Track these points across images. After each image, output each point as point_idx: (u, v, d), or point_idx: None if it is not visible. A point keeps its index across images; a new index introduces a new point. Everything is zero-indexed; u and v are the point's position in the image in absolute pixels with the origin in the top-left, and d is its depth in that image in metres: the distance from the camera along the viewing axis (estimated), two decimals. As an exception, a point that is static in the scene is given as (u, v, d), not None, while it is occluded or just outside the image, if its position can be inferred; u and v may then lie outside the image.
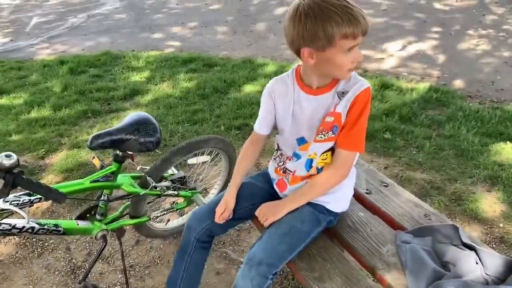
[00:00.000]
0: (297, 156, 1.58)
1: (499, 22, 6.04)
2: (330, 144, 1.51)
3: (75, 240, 2.44)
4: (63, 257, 2.33)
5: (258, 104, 1.63)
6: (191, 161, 2.29)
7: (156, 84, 4.53)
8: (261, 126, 1.66)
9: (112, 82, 4.64)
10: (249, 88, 4.24)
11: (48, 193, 1.46)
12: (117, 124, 1.83)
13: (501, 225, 2.39)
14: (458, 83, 4.37)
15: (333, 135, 1.48)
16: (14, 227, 1.62)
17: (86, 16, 7.79)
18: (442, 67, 4.79)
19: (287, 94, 1.54)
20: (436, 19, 6.31)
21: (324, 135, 1.49)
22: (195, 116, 3.71)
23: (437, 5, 6.94)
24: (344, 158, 1.49)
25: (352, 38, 1.29)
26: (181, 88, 4.35)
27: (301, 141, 1.56)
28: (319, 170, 1.55)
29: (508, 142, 3.13)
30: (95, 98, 4.21)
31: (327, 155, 1.52)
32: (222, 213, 1.57)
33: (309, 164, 1.55)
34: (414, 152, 3.11)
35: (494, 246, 2.25)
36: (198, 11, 7.59)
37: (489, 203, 2.54)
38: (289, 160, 1.61)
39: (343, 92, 1.43)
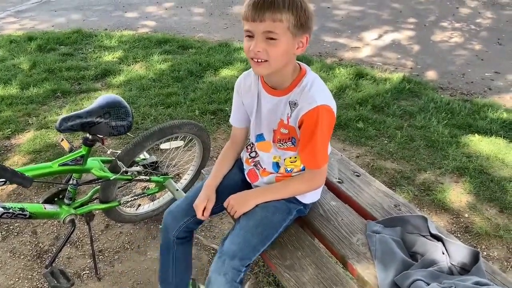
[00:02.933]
0: (260, 155, 1.60)
1: (472, 15, 6.15)
2: (292, 153, 1.52)
3: (42, 224, 2.38)
4: (29, 241, 2.27)
5: (233, 89, 1.62)
6: (164, 146, 2.26)
7: (129, 65, 4.42)
8: (234, 119, 1.67)
9: (83, 61, 4.50)
10: (225, 73, 4.20)
11: (14, 177, 1.40)
12: (87, 106, 1.77)
13: (466, 215, 2.46)
14: (431, 74, 4.45)
15: (293, 146, 1.49)
16: (-24, 210, 1.56)
17: (56, -10, 7.50)
18: (415, 57, 4.86)
19: (251, 89, 1.53)
20: (412, 9, 6.38)
21: (283, 144, 1.50)
22: (168, 99, 3.65)
23: (413, -4, 7.01)
24: (312, 175, 1.51)
25: (245, 20, 1.27)
26: (155, 70, 4.26)
27: (260, 137, 1.57)
28: (288, 171, 1.56)
29: (476, 134, 3.21)
30: (65, 77, 4.07)
31: (295, 157, 1.53)
32: (205, 208, 1.54)
33: (276, 166, 1.57)
34: (386, 141, 3.16)
35: (459, 235, 2.32)
36: (174, -9, 7.42)
37: (456, 194, 2.62)
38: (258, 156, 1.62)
39: (295, 103, 1.40)
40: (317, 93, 1.38)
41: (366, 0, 6.81)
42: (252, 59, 1.31)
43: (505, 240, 2.28)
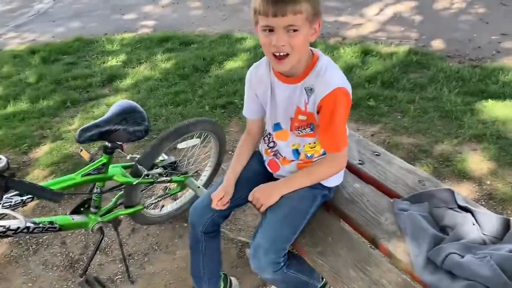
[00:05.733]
0: (278, 144, 1.60)
1: (472, -22, 6.03)
2: (311, 139, 1.52)
3: (70, 234, 2.42)
4: (60, 252, 2.31)
5: (240, 80, 1.64)
6: (181, 145, 2.27)
7: (133, 68, 4.43)
8: (247, 112, 1.68)
9: (88, 68, 4.52)
10: (230, 65, 4.18)
11: (44, 193, 1.42)
12: (104, 115, 1.79)
13: (488, 182, 2.45)
14: (437, 44, 4.39)
15: (312, 132, 1.49)
16: (9, 228, 1.59)
17: (52, 0, 7.49)
18: (419, 28, 4.79)
19: (263, 80, 1.53)
20: (410, -21, 6.27)
21: (302, 131, 1.50)
22: (177, 97, 3.65)
23: (410, -35, 6.88)
24: (335, 158, 1.51)
25: (263, 15, 1.25)
26: (160, 69, 4.27)
27: (277, 127, 1.57)
28: (308, 157, 1.56)
29: (489, 99, 3.18)
30: (72, 86, 4.10)
31: (315, 143, 1.54)
32: (221, 199, 1.56)
33: (296, 152, 1.57)
34: (399, 117, 3.14)
35: (483, 203, 2.31)
36: (168, -12, 7.37)
37: (476, 162, 2.60)
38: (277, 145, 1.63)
39: (311, 89, 1.41)
40: (332, 76, 1.39)
41: (362, -25, 6.70)
42: (273, 54, 1.31)
43: (531, 203, 2.27)
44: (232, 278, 1.95)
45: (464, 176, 2.51)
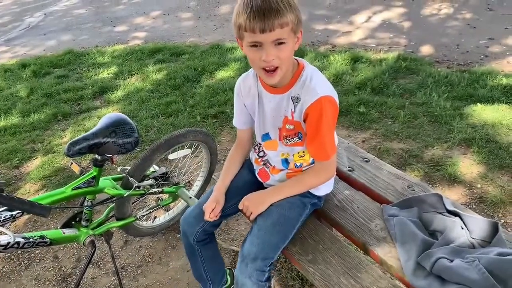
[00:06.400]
0: (268, 154, 1.61)
1: (458, -16, 6.12)
2: (300, 148, 1.53)
3: (62, 248, 2.40)
4: (52, 266, 2.30)
5: (231, 89, 1.65)
6: (171, 156, 2.27)
7: (124, 79, 4.43)
8: (237, 122, 1.69)
9: (79, 81, 4.52)
10: (221, 74, 4.20)
11: (32, 208, 1.42)
12: (93, 128, 1.79)
13: (479, 185, 2.47)
14: (425, 49, 4.44)
15: (300, 141, 1.50)
16: (-2, 244, 1.58)
17: (43, 14, 7.51)
18: (408, 34, 4.84)
19: (251, 91, 1.55)
20: (398, -14, 6.35)
21: (290, 140, 1.51)
22: (169, 108, 3.66)
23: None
24: (323, 166, 1.52)
25: (250, 32, 1.24)
26: (151, 80, 4.28)
27: (266, 137, 1.58)
28: (298, 166, 1.57)
29: (478, 103, 3.21)
30: (64, 99, 4.10)
31: (303, 152, 1.55)
32: (213, 210, 1.56)
33: (286, 162, 1.58)
34: (389, 122, 3.16)
35: (474, 206, 2.33)
36: (159, -1, 7.43)
37: (466, 166, 2.62)
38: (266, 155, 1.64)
39: (297, 98, 1.42)
40: (318, 85, 1.40)
41: (351, -17, 6.78)
42: (264, 69, 1.32)
43: (521, 206, 2.29)
44: None
45: (454, 180, 2.52)
